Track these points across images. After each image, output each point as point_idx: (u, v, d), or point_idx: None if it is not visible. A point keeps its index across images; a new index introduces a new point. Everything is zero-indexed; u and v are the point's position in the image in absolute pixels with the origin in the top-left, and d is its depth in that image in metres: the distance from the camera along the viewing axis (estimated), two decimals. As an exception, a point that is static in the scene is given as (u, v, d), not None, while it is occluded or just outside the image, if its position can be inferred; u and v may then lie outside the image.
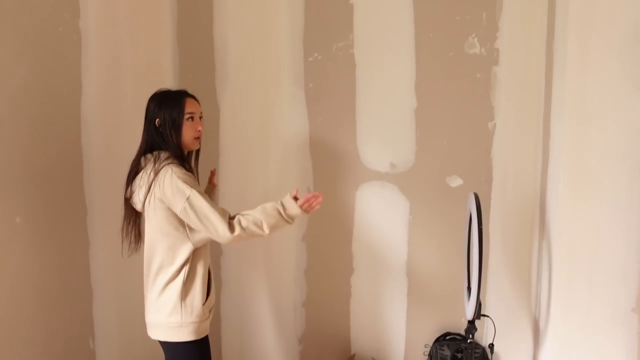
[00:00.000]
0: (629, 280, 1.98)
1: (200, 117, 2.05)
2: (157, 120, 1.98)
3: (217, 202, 2.38)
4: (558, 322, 2.10)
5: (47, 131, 2.24)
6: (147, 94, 2.82)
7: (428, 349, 2.71)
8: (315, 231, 2.82)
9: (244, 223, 1.90)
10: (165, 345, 2.01)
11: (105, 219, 2.55)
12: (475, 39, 2.51)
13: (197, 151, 2.14)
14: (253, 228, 1.90)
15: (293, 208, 1.94)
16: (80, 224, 2.45)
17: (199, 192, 1.89)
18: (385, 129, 2.67)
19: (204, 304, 1.99)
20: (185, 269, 1.95)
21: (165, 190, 1.87)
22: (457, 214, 2.59)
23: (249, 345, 2.98)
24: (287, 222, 1.95)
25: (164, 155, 1.96)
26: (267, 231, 1.92)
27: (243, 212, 1.95)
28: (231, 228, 1.88)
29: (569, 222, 2.02)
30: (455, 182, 2.62)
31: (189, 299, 1.96)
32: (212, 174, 2.41)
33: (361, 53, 2.65)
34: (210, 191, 2.36)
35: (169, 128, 1.98)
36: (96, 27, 2.48)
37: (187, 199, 1.85)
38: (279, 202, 1.95)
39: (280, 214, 1.92)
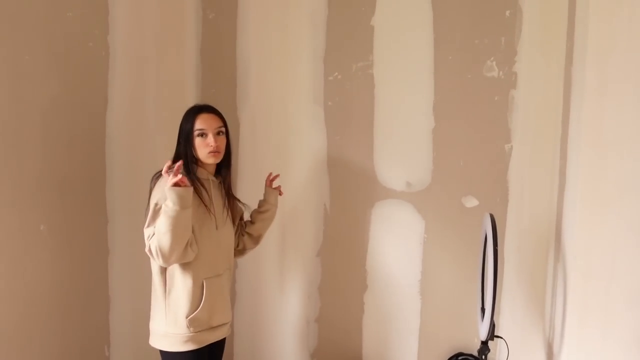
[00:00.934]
0: (645, 307, 1.98)
1: (220, 133, 2.06)
2: (179, 133, 2.05)
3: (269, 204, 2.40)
4: (572, 346, 2.09)
5: (73, 142, 2.31)
6: (169, 108, 2.91)
7: (440, 369, 2.71)
8: (331, 247, 2.85)
9: (154, 248, 1.86)
10: (160, 352, 2.05)
11: (125, 229, 2.60)
12: (494, 63, 2.55)
13: (227, 163, 2.15)
14: (156, 240, 1.84)
15: (170, 197, 1.82)
16: (101, 233, 2.51)
17: (158, 205, 1.88)
18: (402, 148, 2.70)
19: (187, 317, 1.98)
20: (163, 278, 1.99)
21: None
22: (472, 234, 2.60)
23: (261, 358, 2.99)
24: (174, 206, 1.81)
25: None
26: (167, 228, 1.81)
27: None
28: (150, 251, 1.88)
29: (585, 246, 2.03)
30: (471, 202, 2.64)
31: (171, 310, 1.99)
32: (271, 178, 2.43)
33: (380, 73, 2.70)
34: (268, 195, 2.40)
35: (183, 142, 2.05)
36: (124, 43, 2.56)
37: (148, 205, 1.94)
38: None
39: (166, 206, 1.83)
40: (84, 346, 2.43)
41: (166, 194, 1.82)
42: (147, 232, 1.93)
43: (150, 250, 1.89)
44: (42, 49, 2.13)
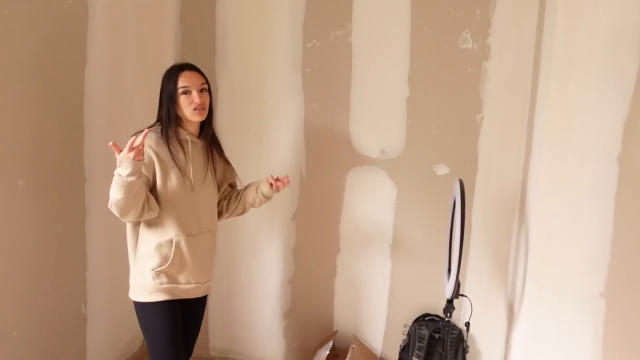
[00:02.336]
0: (600, 268, 2.11)
1: (203, 90, 2.08)
2: (160, 93, 2.07)
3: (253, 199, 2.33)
4: (531, 305, 2.23)
5: (52, 100, 2.30)
6: (148, 71, 2.91)
7: (407, 329, 2.83)
8: (305, 212, 2.93)
9: (112, 207, 1.93)
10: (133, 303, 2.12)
11: (103, 189, 2.60)
12: (468, 35, 2.62)
13: (207, 123, 2.17)
14: (114, 208, 1.91)
15: (121, 165, 1.84)
16: (79, 192, 2.52)
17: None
18: (377, 116, 2.77)
19: (153, 269, 2.04)
20: (135, 233, 2.08)
21: None
22: (442, 201, 2.71)
23: (235, 318, 3.08)
24: (127, 177, 1.83)
25: (155, 124, 2.09)
26: (121, 195, 1.85)
27: None
28: (109, 204, 1.93)
29: (547, 211, 2.15)
30: (442, 170, 2.73)
31: (140, 262, 2.07)
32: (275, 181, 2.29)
33: (358, 42, 2.75)
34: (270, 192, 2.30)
35: (166, 101, 2.07)
36: (103, 4, 2.55)
37: None
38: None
39: (117, 175, 1.85)
40: (60, 304, 2.46)
41: (121, 163, 1.83)
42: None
43: (110, 207, 1.94)
44: (21, 4, 2.11)
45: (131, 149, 1.79)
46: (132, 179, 1.84)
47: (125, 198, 1.87)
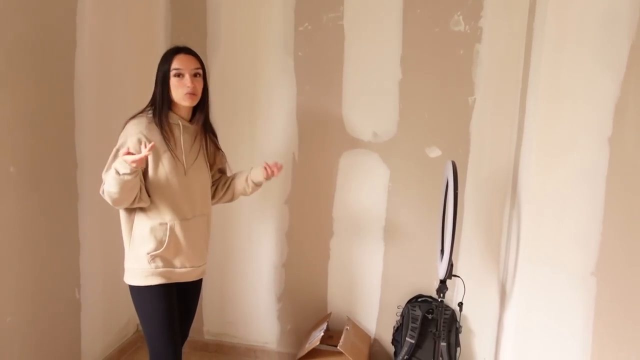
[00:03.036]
0: (591, 247, 2.15)
1: (197, 75, 2.07)
2: (156, 75, 2.06)
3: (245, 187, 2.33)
4: (523, 284, 2.26)
5: (41, 83, 2.28)
6: (139, 55, 2.89)
7: (400, 310, 2.86)
8: (298, 195, 2.94)
9: (104, 196, 1.96)
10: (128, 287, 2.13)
11: (95, 174, 2.59)
12: (461, 17, 2.62)
13: (201, 108, 2.15)
14: (107, 196, 1.94)
15: (121, 163, 1.86)
16: (71, 177, 2.51)
17: (116, 151, 1.97)
18: (370, 99, 2.77)
19: (148, 253, 2.04)
20: (129, 218, 2.08)
21: None
22: (435, 183, 2.73)
23: (230, 302, 3.10)
24: (119, 174, 1.85)
25: (147, 109, 2.09)
26: (112, 189, 1.88)
27: None
28: (103, 194, 1.97)
29: (538, 191, 2.17)
30: (434, 152, 2.75)
31: (135, 246, 2.07)
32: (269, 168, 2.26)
33: (350, 25, 2.74)
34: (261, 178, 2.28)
35: (160, 83, 2.05)
36: (92, -16, 2.52)
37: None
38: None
39: (115, 171, 1.87)
40: (54, 290, 2.46)
41: (122, 162, 1.84)
42: (104, 176, 1.97)
43: (102, 194, 1.97)
44: (8, -13, 2.09)
45: (134, 161, 1.82)
46: (128, 177, 1.85)
47: (120, 192, 1.89)
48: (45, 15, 2.28)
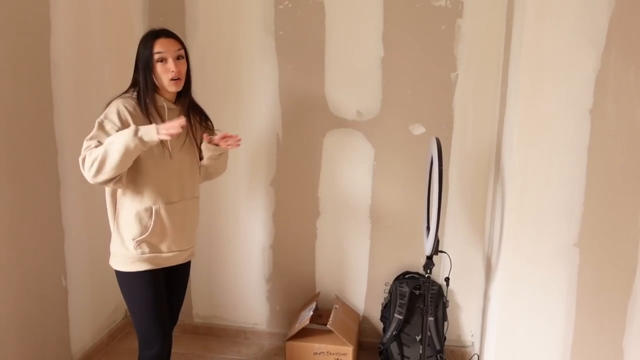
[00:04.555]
0: (573, 218, 2.17)
1: (180, 57, 2.02)
2: (136, 60, 2.01)
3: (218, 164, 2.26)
4: (508, 257, 2.28)
5: (17, 69, 2.23)
6: (116, 34, 2.84)
7: (388, 287, 2.89)
8: (284, 176, 2.93)
9: (87, 162, 1.86)
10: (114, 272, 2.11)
11: (76, 159, 2.56)
12: (442, -8, 2.60)
13: (185, 89, 2.10)
14: (95, 164, 1.84)
15: (148, 131, 1.83)
16: (51, 163, 2.48)
17: (100, 122, 1.91)
18: (352, 77, 2.76)
19: (134, 239, 2.02)
20: (113, 200, 2.06)
21: None
22: (419, 160, 2.73)
23: (218, 285, 3.10)
24: (140, 139, 1.82)
25: (130, 91, 2.04)
26: (115, 155, 1.81)
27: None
28: (82, 164, 1.88)
29: (521, 165, 2.18)
30: (418, 130, 2.75)
31: (120, 231, 2.05)
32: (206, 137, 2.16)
33: (331, 2, 2.71)
34: (210, 151, 2.17)
35: (142, 68, 2.01)
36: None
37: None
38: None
39: (131, 129, 1.83)
40: (40, 277, 2.44)
41: (147, 130, 1.81)
42: (86, 143, 1.90)
43: (83, 160, 1.87)
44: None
45: (170, 133, 1.80)
46: (144, 148, 1.84)
47: (120, 160, 1.81)
48: (17, -2, 2.22)
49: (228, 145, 2.10)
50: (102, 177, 1.86)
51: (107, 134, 1.90)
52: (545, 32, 2.08)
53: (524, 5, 2.13)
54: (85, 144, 1.91)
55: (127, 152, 1.81)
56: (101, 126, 1.92)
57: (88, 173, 1.87)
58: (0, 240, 2.20)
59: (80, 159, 1.88)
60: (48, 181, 2.47)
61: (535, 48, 2.10)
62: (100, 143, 1.88)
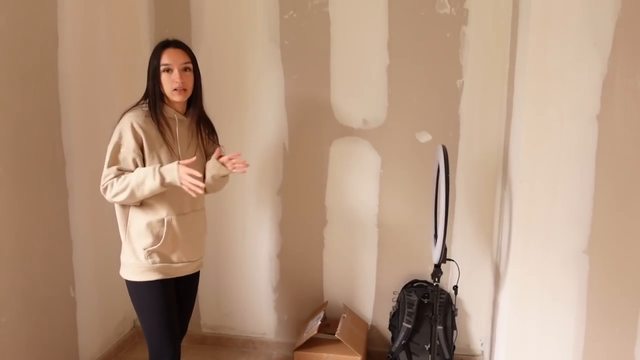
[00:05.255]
0: (582, 225, 2.15)
1: (187, 69, 2.04)
2: (147, 69, 2.04)
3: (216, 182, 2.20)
4: (516, 265, 2.27)
5: (25, 82, 2.25)
6: (124, 47, 2.86)
7: (396, 295, 2.87)
8: (291, 185, 2.93)
9: (110, 192, 1.96)
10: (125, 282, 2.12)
11: (84, 170, 2.60)
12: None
13: (194, 101, 2.12)
14: (120, 196, 1.95)
15: (171, 171, 1.93)
16: (59, 175, 2.49)
17: (117, 143, 1.97)
18: (358, 86, 2.76)
19: (145, 249, 2.03)
20: (125, 213, 2.07)
21: None
22: (426, 168, 2.72)
23: (226, 294, 3.09)
24: (160, 182, 1.92)
25: (141, 102, 2.06)
26: (136, 193, 1.94)
27: (124, 176, 1.96)
28: (104, 190, 1.98)
29: (529, 171, 2.17)
30: (425, 137, 2.74)
31: (131, 241, 2.06)
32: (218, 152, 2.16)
33: (336, 11, 2.72)
34: (215, 170, 2.14)
35: (151, 78, 2.03)
36: (72, -22, 2.48)
37: (109, 144, 1.99)
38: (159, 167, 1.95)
39: (154, 173, 1.92)
40: (48, 288, 2.44)
41: (171, 174, 1.92)
42: (106, 171, 1.97)
43: (105, 190, 1.97)
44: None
45: (191, 183, 1.91)
46: (165, 189, 1.96)
47: (141, 196, 1.95)
48: (25, 9, 2.24)
49: (234, 167, 2.09)
50: (118, 201, 2.00)
51: (125, 160, 1.98)
52: (550, 37, 2.07)
53: (528, 10, 2.12)
54: (105, 171, 1.97)
55: (151, 194, 1.96)
56: (118, 151, 1.97)
57: (110, 199, 1.99)
58: (8, 251, 2.21)
59: (101, 188, 1.98)
60: (56, 192, 2.48)
61: (540, 54, 2.10)
62: (119, 171, 1.96)
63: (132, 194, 1.94)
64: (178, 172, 1.91)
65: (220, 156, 2.13)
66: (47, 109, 2.40)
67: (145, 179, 1.93)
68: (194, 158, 1.98)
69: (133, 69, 2.09)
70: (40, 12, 2.33)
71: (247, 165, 2.09)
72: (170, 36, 2.13)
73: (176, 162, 1.94)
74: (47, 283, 2.44)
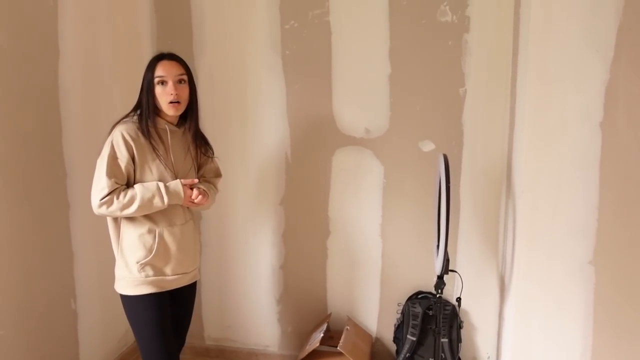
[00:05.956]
0: (587, 235, 2.10)
1: (181, 81, 2.03)
2: (142, 82, 2.03)
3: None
4: (520, 276, 2.22)
5: (25, 94, 2.26)
6: (125, 60, 2.87)
7: (401, 307, 2.82)
8: (293, 196, 2.90)
9: (111, 206, 1.95)
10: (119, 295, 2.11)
11: (85, 182, 2.57)
12: (447, 7, 2.58)
13: (190, 113, 2.12)
14: (125, 211, 1.96)
15: (177, 196, 2.02)
16: (60, 187, 2.49)
17: (111, 155, 1.95)
18: (360, 95, 2.74)
19: (138, 262, 2.02)
20: (116, 226, 2.08)
21: None
22: (430, 177, 2.69)
23: (228, 306, 3.07)
24: (167, 203, 1.99)
25: (131, 114, 2.06)
26: (142, 211, 1.97)
27: (126, 191, 1.98)
28: (102, 204, 1.95)
29: (532, 181, 2.12)
30: (428, 146, 2.71)
31: (124, 255, 2.05)
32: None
33: (337, 20, 2.70)
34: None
35: (145, 90, 2.03)
36: (73, -8, 2.50)
37: (100, 157, 1.98)
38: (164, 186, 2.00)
39: (162, 195, 1.98)
40: (49, 301, 2.44)
41: (178, 198, 2.02)
42: (103, 183, 1.94)
43: (103, 204, 1.94)
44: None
45: (192, 201, 2.06)
46: (165, 206, 2.00)
47: (145, 213, 2.00)
48: (25, 24, 2.26)
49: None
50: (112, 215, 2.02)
51: (120, 168, 1.97)
52: (551, 44, 2.04)
53: (528, 17, 2.09)
54: (101, 183, 1.95)
55: (151, 209, 1.99)
56: (114, 162, 1.96)
57: (106, 213, 1.97)
58: (9, 264, 2.21)
59: (97, 201, 1.95)
60: (57, 204, 2.48)
61: (541, 61, 2.07)
62: (117, 184, 1.96)
63: (137, 212, 1.95)
64: (184, 197, 2.03)
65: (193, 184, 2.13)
66: (48, 121, 2.41)
67: (154, 200, 1.96)
68: (196, 180, 2.08)
69: (135, 82, 2.08)
70: (41, 26, 2.35)
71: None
72: (173, 49, 2.13)
73: (181, 187, 2.02)
74: (47, 295, 2.43)
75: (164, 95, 2.00)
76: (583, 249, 2.11)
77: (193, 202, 2.08)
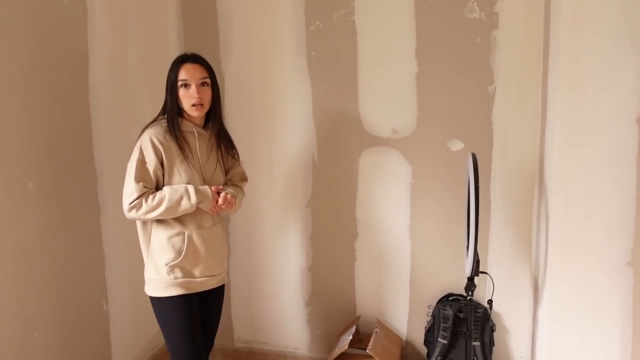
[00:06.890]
0: (625, 235, 2.02)
1: (204, 84, 2.05)
2: (166, 83, 2.05)
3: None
4: (554, 278, 2.15)
5: (56, 100, 2.31)
6: (153, 63, 2.90)
7: (431, 310, 2.77)
8: (320, 197, 2.89)
9: (140, 210, 1.98)
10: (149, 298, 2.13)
11: (116, 185, 2.61)
12: (475, 4, 2.53)
13: (213, 115, 2.14)
14: (151, 214, 1.99)
15: (206, 200, 2.04)
16: (91, 190, 2.53)
17: (140, 160, 1.98)
18: (386, 95, 2.70)
19: (167, 264, 2.04)
20: (146, 229, 2.10)
21: None
22: (459, 177, 2.63)
23: (258, 308, 3.07)
24: (189, 201, 2.00)
25: (159, 118, 2.09)
26: (170, 213, 2.00)
27: (155, 193, 2.01)
28: (131, 208, 1.99)
29: (565, 180, 2.06)
30: (457, 146, 2.66)
31: (153, 257, 2.07)
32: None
33: (362, 20, 2.68)
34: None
35: (168, 93, 2.05)
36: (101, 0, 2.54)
37: (129, 161, 2.01)
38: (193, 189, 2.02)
39: (190, 197, 2.00)
40: (81, 303, 2.48)
41: (206, 204, 2.04)
42: (132, 188, 1.98)
43: (132, 208, 1.99)
44: (17, 6, 2.11)
45: (219, 208, 2.08)
46: (194, 209, 2.01)
47: (173, 216, 2.02)
48: (56, 31, 2.30)
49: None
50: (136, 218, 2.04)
51: (148, 173, 2.00)
52: (583, 38, 1.98)
53: (559, 12, 2.03)
54: (130, 188, 1.99)
55: (180, 211, 2.01)
56: (142, 166, 1.99)
57: (136, 217, 2.01)
58: (42, 267, 2.25)
59: (127, 206, 1.99)
60: (88, 207, 2.53)
61: (573, 55, 2.00)
62: (145, 188, 1.99)
63: (166, 213, 1.98)
64: (212, 202, 2.04)
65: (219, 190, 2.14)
66: (79, 125, 2.45)
67: (181, 202, 1.97)
68: (221, 187, 2.12)
69: (163, 85, 2.11)
70: (70, 32, 2.40)
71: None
72: (200, 53, 2.14)
73: (209, 191, 2.04)
74: (79, 297, 2.47)
75: (187, 98, 2.02)
76: (620, 250, 2.03)
77: (220, 209, 2.08)
